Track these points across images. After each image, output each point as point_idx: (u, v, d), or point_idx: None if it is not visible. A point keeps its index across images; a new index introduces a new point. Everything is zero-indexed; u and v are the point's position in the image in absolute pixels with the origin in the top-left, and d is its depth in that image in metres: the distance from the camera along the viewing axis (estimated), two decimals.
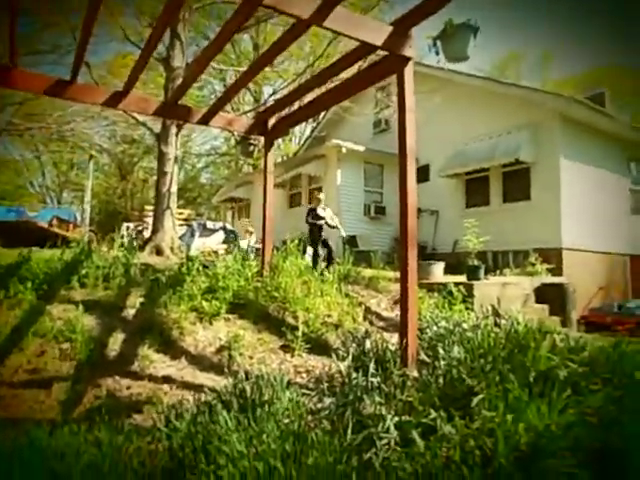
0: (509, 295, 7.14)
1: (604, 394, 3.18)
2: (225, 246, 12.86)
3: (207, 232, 13.04)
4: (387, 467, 2.35)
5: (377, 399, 3.07)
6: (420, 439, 2.68)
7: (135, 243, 13.03)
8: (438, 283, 6.97)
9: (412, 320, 3.88)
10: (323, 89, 5.63)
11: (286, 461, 2.12)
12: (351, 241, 12.43)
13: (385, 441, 2.71)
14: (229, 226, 13.98)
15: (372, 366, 3.39)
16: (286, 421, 2.59)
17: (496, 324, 5.08)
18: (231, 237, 13.72)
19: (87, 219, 11.36)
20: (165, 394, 3.72)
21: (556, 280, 8.79)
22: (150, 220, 15.45)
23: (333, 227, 7.18)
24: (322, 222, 6.93)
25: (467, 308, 6.46)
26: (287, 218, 13.43)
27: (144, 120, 8.61)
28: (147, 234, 14.37)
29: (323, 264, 7.21)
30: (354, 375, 3.29)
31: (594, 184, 10.69)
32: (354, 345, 4.20)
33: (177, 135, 7.71)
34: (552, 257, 9.70)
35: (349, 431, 2.76)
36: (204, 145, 30.13)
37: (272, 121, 6.20)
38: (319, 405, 3.12)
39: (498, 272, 9.36)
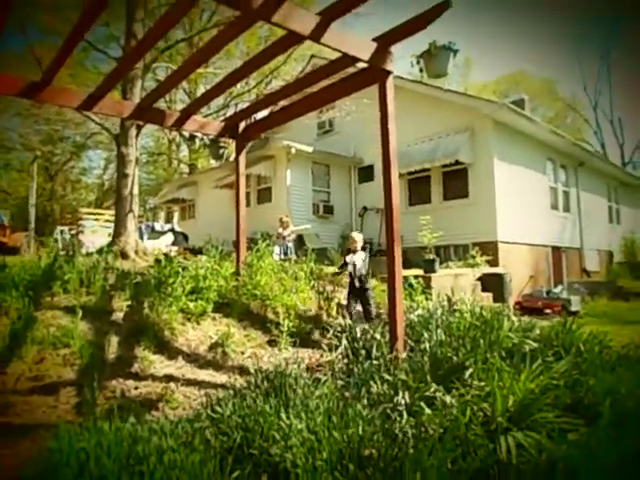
0: (460, 285, 7.86)
1: (566, 362, 3.80)
2: (175, 248, 12.68)
3: (155, 234, 12.78)
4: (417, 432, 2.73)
5: (383, 378, 3.46)
6: (428, 409, 3.12)
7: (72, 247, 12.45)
8: None
9: (399, 309, 4.30)
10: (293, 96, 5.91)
11: (336, 431, 2.43)
12: (298, 241, 12.76)
13: (397, 413, 3.11)
14: (178, 228, 13.76)
15: (374, 351, 3.77)
16: (316, 401, 2.89)
17: (453, 310, 5.71)
18: (180, 239, 13.53)
19: (32, 223, 10.69)
20: (173, 392, 3.85)
21: (495, 270, 9.73)
22: (86, 223, 14.83)
23: (358, 276, 5.75)
24: (349, 269, 5.65)
25: (426, 298, 7.05)
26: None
27: (101, 121, 8.35)
28: (83, 238, 13.77)
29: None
30: (361, 359, 3.65)
31: (522, 182, 11.89)
32: (344, 334, 4.57)
33: (137, 136, 7.60)
34: (489, 250, 10.68)
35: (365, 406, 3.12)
36: None
37: (243, 125, 6.38)
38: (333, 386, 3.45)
39: (444, 265, 10.14)
